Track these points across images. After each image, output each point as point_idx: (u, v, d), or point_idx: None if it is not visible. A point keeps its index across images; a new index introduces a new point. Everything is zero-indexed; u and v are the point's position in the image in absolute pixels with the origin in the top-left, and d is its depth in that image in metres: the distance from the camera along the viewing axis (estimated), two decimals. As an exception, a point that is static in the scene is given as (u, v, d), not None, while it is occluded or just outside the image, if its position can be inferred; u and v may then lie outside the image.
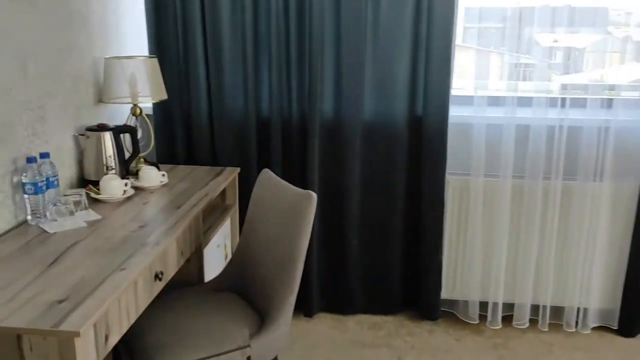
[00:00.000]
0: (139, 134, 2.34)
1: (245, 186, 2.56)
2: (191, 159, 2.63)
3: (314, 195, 1.71)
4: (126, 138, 2.32)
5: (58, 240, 1.66)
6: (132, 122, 2.37)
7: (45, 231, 1.72)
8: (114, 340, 1.37)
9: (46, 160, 1.82)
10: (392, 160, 2.55)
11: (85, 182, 2.14)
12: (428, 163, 2.53)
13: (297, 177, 2.58)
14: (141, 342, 1.66)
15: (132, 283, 1.45)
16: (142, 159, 2.39)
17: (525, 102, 2.50)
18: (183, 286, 2.00)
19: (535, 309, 2.65)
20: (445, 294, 2.69)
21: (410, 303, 2.75)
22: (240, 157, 2.59)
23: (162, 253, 1.64)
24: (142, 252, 1.58)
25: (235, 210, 2.53)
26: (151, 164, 2.39)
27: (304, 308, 2.70)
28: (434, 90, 2.43)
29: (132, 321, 1.47)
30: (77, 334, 1.17)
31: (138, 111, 2.34)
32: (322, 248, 2.68)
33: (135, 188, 2.14)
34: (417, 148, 2.55)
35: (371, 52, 2.45)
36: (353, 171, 2.56)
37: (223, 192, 2.42)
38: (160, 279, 1.63)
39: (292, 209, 1.74)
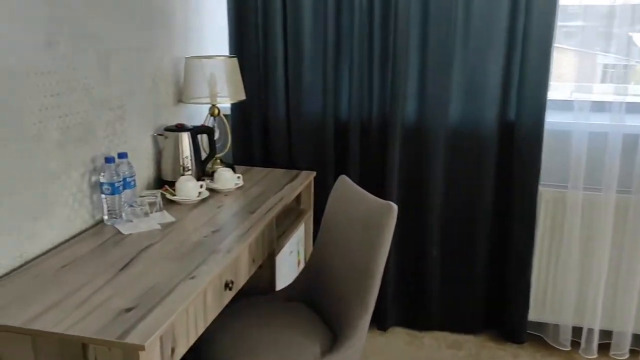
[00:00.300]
0: (216, 135, 2.31)
1: (321, 190, 2.47)
2: (267, 161, 2.57)
3: (395, 207, 1.58)
4: (203, 139, 2.29)
5: (132, 243, 1.63)
6: (209, 122, 2.34)
7: (120, 232, 1.71)
8: (180, 352, 1.31)
9: (124, 160, 1.81)
10: (479, 168, 2.37)
11: (162, 182, 2.13)
12: (519, 172, 2.32)
13: (375, 182, 2.46)
14: (209, 351, 1.61)
15: (202, 293, 1.39)
16: (218, 160, 2.36)
17: (633, 108, 2.23)
18: (253, 294, 1.94)
19: (637, 338, 2.38)
20: (533, 315, 2.47)
21: (494, 323, 2.56)
22: (317, 160, 2.50)
23: (233, 261, 1.57)
24: (213, 259, 1.52)
25: (309, 216, 2.44)
26: (227, 165, 2.36)
27: (378, 321, 2.57)
28: (529, 93, 2.23)
29: (200, 332, 1.41)
30: (142, 348, 1.12)
31: (216, 111, 2.31)
32: (399, 258, 2.54)
33: (210, 190, 2.11)
34: (507, 156, 2.35)
35: (460, 51, 2.28)
36: (436, 178, 2.40)
37: (298, 196, 2.34)
38: (230, 289, 1.56)
39: (371, 221, 1.62)
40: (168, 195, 1.99)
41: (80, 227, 1.74)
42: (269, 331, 1.68)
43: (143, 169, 2.08)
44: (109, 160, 1.73)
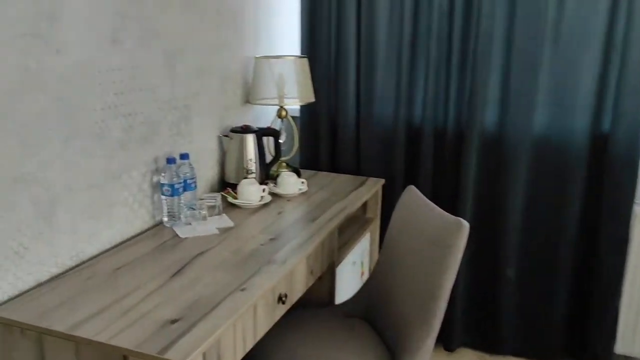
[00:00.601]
0: (283, 137, 2.24)
1: (389, 199, 2.34)
2: (334, 166, 2.48)
3: (466, 225, 1.43)
4: (269, 141, 2.23)
5: (187, 247, 1.59)
6: (276, 124, 2.28)
7: (177, 235, 1.68)
8: (226, 368, 1.25)
9: (185, 161, 1.77)
10: (565, 183, 2.16)
11: (226, 184, 2.09)
12: (611, 189, 2.09)
13: (448, 194, 2.30)
14: (260, 366, 1.54)
15: (252, 306, 1.32)
16: (283, 163, 2.29)
17: None
18: (311, 306, 1.85)
19: None
20: (620, 347, 2.22)
21: (574, 352, 2.32)
22: (385, 167, 2.38)
23: (288, 273, 1.49)
24: (267, 270, 1.44)
25: (376, 225, 2.32)
26: (293, 169, 2.29)
27: (445, 340, 2.41)
28: (628, 102, 2.00)
29: (249, 348, 1.34)
30: (182, 365, 1.06)
31: (284, 113, 2.24)
32: (471, 274, 2.36)
33: (273, 194, 2.04)
34: (597, 170, 2.12)
35: (549, 54, 2.08)
36: (515, 193, 2.21)
37: (364, 204, 2.23)
38: (283, 302, 1.48)
39: (439, 238, 1.49)
40: (230, 199, 1.95)
41: (141, 228, 1.72)
42: (324, 348, 1.59)
43: (207, 170, 2.05)
44: (170, 161, 1.71)
